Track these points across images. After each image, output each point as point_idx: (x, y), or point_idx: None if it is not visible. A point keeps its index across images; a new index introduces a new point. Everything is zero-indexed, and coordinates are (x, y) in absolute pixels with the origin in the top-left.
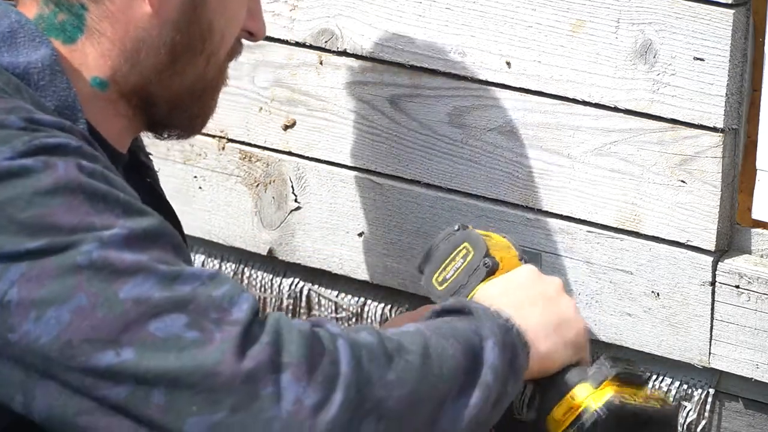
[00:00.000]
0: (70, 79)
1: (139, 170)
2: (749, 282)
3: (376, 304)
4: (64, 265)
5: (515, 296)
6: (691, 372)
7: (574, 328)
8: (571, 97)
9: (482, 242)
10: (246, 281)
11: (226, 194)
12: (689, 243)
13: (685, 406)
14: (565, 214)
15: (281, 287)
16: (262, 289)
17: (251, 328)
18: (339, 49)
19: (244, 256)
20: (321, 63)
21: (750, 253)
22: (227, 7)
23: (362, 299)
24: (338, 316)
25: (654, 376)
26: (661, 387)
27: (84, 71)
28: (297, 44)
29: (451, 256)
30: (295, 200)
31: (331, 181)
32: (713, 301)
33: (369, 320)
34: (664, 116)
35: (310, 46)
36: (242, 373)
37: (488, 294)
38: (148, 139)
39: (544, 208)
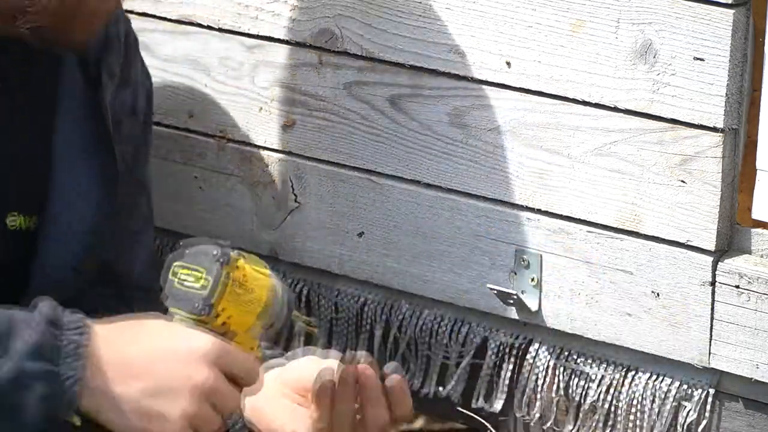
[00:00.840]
0: None
1: None
2: (749, 282)
3: (376, 304)
4: None
5: (127, 367)
6: (691, 372)
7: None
8: (571, 97)
9: (215, 292)
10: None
11: (226, 194)
12: (689, 243)
13: (685, 406)
14: (565, 214)
15: None
16: None
17: None
18: (339, 49)
19: None
20: (321, 63)
21: (750, 253)
22: None
23: (362, 299)
24: (338, 316)
25: (654, 377)
26: (661, 387)
27: None
28: (297, 44)
29: (192, 269)
30: (295, 200)
31: (331, 181)
32: (713, 301)
33: (369, 320)
34: (664, 116)
35: (310, 46)
36: None
37: (118, 338)
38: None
39: (544, 208)
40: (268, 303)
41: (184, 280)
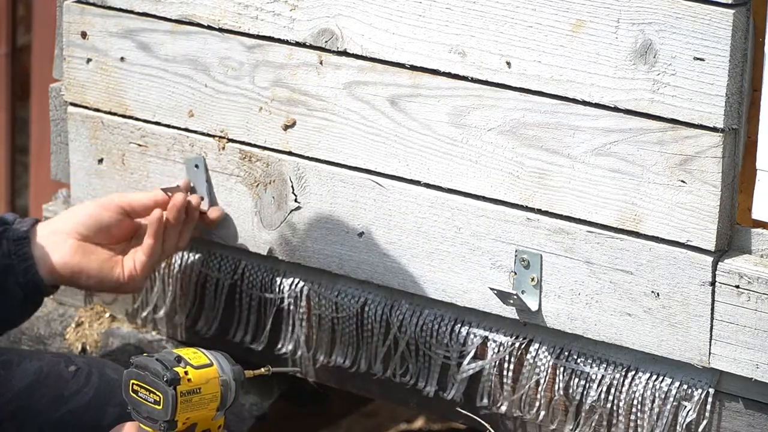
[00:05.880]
0: None
1: None
2: (749, 282)
3: (376, 304)
4: None
5: None
6: (691, 372)
7: None
8: (571, 97)
9: (173, 411)
10: (246, 281)
11: (226, 194)
12: (689, 243)
13: (685, 406)
14: (565, 214)
15: (281, 287)
16: (262, 289)
17: None
18: (339, 49)
19: (244, 256)
20: (321, 63)
21: (750, 253)
22: None
23: (362, 299)
24: (338, 315)
25: (654, 377)
26: (661, 387)
27: None
28: (297, 44)
29: (148, 390)
30: (295, 200)
31: (331, 181)
32: (713, 301)
33: (369, 320)
34: (664, 116)
35: (310, 46)
36: None
37: None
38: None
39: (544, 208)
40: (219, 393)
41: (144, 399)
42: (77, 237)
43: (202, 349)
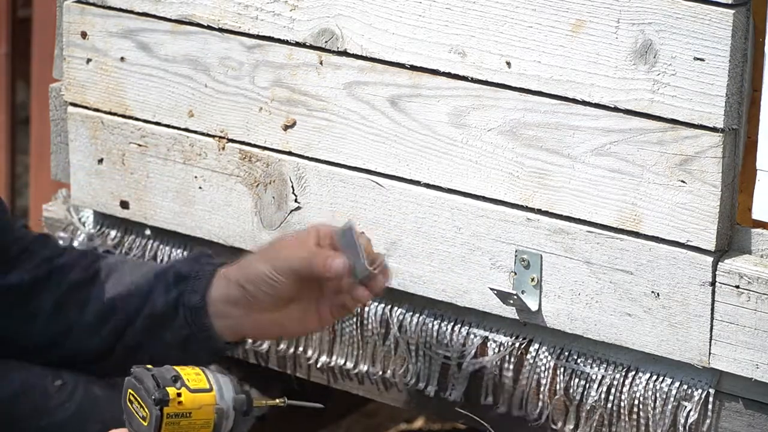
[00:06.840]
0: None
1: None
2: (749, 282)
3: (376, 304)
4: None
5: None
6: (691, 372)
7: None
8: (571, 97)
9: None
10: None
11: (226, 194)
12: (689, 243)
13: (685, 406)
14: (565, 214)
15: None
16: None
17: None
18: (339, 49)
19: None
20: (321, 63)
21: (750, 253)
22: None
23: None
24: None
25: (654, 377)
26: (661, 387)
27: None
28: (297, 44)
29: (140, 403)
30: (295, 200)
31: (331, 181)
32: (713, 301)
33: (369, 320)
34: (664, 116)
35: (310, 46)
36: None
37: None
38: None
39: (544, 208)
40: (212, 421)
41: (136, 412)
42: (256, 310)
43: (208, 371)
